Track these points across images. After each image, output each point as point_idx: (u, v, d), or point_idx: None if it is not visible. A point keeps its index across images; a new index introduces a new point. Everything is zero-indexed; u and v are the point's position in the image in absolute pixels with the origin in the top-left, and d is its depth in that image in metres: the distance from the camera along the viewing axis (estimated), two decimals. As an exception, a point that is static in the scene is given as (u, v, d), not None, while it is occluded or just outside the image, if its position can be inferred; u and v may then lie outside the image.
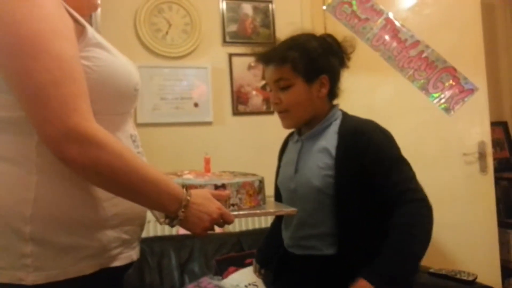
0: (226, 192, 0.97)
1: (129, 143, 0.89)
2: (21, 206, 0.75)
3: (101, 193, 0.80)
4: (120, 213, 0.83)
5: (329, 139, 1.17)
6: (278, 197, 1.35)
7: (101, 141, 0.73)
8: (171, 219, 0.85)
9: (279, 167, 1.37)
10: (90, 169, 0.74)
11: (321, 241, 1.16)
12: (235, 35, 2.55)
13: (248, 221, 2.43)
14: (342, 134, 1.16)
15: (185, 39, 2.43)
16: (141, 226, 0.93)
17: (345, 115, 1.23)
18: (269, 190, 2.42)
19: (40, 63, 0.70)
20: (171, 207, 0.83)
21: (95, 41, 0.81)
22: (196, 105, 2.45)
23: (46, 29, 0.71)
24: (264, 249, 1.48)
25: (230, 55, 2.53)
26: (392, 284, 1.02)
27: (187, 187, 0.86)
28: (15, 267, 0.75)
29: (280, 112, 1.22)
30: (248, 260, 2.03)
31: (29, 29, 0.70)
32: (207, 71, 2.47)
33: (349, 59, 1.24)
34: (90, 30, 0.81)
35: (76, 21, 0.79)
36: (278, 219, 1.38)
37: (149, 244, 2.03)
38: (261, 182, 1.08)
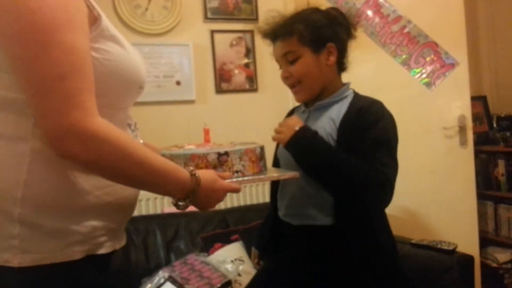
0: (227, 174, 0.97)
1: (128, 133, 0.88)
2: (12, 188, 0.74)
3: (95, 181, 0.79)
4: (113, 202, 0.83)
5: (337, 113, 1.19)
6: (276, 167, 1.35)
7: (103, 137, 0.71)
8: (178, 205, 0.87)
9: None
10: (94, 164, 0.73)
11: (319, 210, 1.17)
12: (217, 11, 2.51)
13: (233, 198, 2.45)
14: (350, 110, 1.17)
15: (165, 15, 2.38)
16: (130, 216, 0.93)
17: (356, 93, 1.25)
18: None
19: (50, 54, 0.68)
20: (179, 194, 0.85)
21: (108, 33, 0.78)
22: (178, 83, 2.42)
23: (61, 18, 0.69)
24: (265, 236, 1.46)
25: (212, 32, 2.50)
26: (300, 151, 1.13)
27: (195, 171, 0.85)
28: (1, 248, 0.74)
29: (292, 86, 1.24)
30: (233, 237, 2.06)
31: (44, 17, 0.68)
32: (189, 49, 2.43)
33: (355, 29, 1.26)
34: (104, 20, 0.78)
35: (91, 8, 0.76)
36: (274, 205, 1.36)
37: (134, 223, 2.03)
38: (262, 149, 1.09)
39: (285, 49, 1.20)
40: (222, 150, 0.98)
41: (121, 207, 0.86)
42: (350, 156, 1.09)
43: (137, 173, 0.77)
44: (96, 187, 0.80)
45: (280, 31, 1.21)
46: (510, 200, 2.64)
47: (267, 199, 2.40)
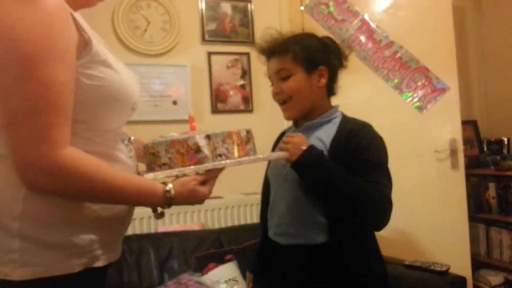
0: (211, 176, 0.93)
1: (121, 148, 0.89)
2: (12, 203, 0.75)
3: None
4: (110, 216, 0.84)
5: (327, 133, 1.21)
6: (266, 188, 1.36)
7: (69, 170, 0.73)
8: (157, 214, 0.90)
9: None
10: (61, 194, 0.76)
11: (310, 228, 1.17)
12: (214, 34, 2.56)
13: (228, 218, 2.45)
14: (340, 132, 1.20)
15: (163, 36, 2.43)
16: (126, 229, 0.95)
17: (344, 116, 1.28)
18: (253, 185, 2.41)
19: (24, 88, 0.69)
20: (155, 206, 0.88)
21: (99, 58, 0.79)
22: (175, 103, 2.45)
23: (42, 51, 0.69)
24: (261, 262, 1.43)
25: (209, 53, 2.55)
26: (307, 170, 1.11)
27: (170, 188, 0.86)
28: (1, 263, 0.75)
29: (282, 103, 1.26)
30: (228, 257, 2.05)
31: (25, 50, 0.68)
32: (186, 69, 2.47)
33: (346, 59, 1.31)
34: (95, 45, 0.78)
35: (81, 31, 0.77)
36: (264, 225, 1.35)
37: (127, 242, 2.02)
38: (249, 132, 1.04)
39: (279, 66, 1.23)
40: (203, 134, 0.94)
41: (117, 221, 0.87)
42: (355, 177, 1.10)
43: (108, 197, 0.80)
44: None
45: (276, 49, 1.25)
46: (502, 223, 2.66)
47: (261, 219, 2.41)
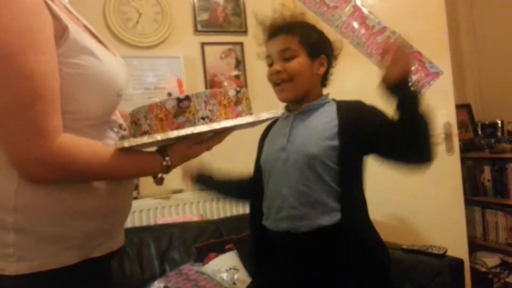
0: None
1: (111, 136, 0.88)
2: (4, 197, 0.74)
3: (86, 185, 0.80)
4: (105, 205, 0.84)
5: (328, 113, 1.23)
6: (258, 178, 1.32)
7: (66, 159, 0.74)
8: (157, 179, 0.92)
9: (261, 148, 1.36)
10: (64, 182, 0.77)
11: (314, 209, 1.16)
12: (207, 24, 2.55)
13: (226, 208, 2.46)
14: (340, 108, 1.24)
15: (156, 28, 2.41)
16: (125, 217, 0.94)
17: (337, 100, 1.31)
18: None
19: (9, 83, 0.69)
20: (156, 174, 0.90)
21: (78, 45, 0.78)
22: (169, 95, 2.44)
23: (23, 44, 0.69)
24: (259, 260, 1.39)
25: (202, 44, 2.54)
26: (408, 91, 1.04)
27: (167, 161, 0.85)
28: None
29: (281, 82, 1.24)
30: (228, 246, 2.07)
31: (6, 44, 0.68)
32: (180, 61, 2.46)
33: (335, 58, 1.33)
34: (73, 32, 0.77)
35: (59, 19, 0.76)
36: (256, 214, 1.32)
37: (128, 235, 1.99)
38: (239, 92, 0.91)
39: (285, 45, 1.23)
40: (182, 96, 0.83)
41: (114, 210, 0.87)
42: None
43: (106, 177, 0.82)
44: (87, 190, 0.81)
45: (284, 27, 1.25)
46: (497, 205, 2.69)
47: (259, 208, 2.43)
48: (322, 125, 1.21)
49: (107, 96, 0.83)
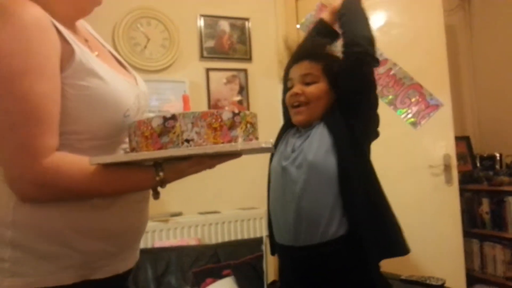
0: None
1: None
2: (3, 212, 0.75)
3: (85, 204, 0.80)
4: (107, 226, 0.83)
5: (322, 131, 1.24)
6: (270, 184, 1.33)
7: (53, 178, 0.73)
8: (154, 194, 0.86)
9: (272, 154, 1.37)
10: (57, 200, 0.76)
11: (326, 221, 1.15)
12: (213, 51, 2.61)
13: (225, 233, 2.44)
14: (328, 123, 1.25)
15: (163, 53, 2.46)
16: (135, 238, 0.92)
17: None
18: (251, 200, 2.39)
19: (2, 105, 0.70)
20: (149, 188, 0.85)
21: (84, 67, 0.79)
22: (173, 118, 2.48)
23: (18, 66, 0.71)
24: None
25: (207, 70, 2.59)
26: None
27: (160, 177, 0.80)
28: None
29: (298, 106, 1.27)
30: (225, 272, 2.05)
31: (1, 66, 0.70)
32: (185, 85, 2.50)
33: None
34: (79, 54, 0.78)
35: (68, 41, 0.78)
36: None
37: (126, 257, 2.01)
38: (237, 115, 0.81)
39: (308, 70, 1.27)
40: (169, 114, 0.77)
41: (118, 232, 0.85)
42: None
43: (98, 195, 0.80)
44: (89, 210, 0.80)
45: (310, 54, 1.30)
46: (495, 238, 2.68)
47: (259, 233, 2.41)
48: (319, 135, 1.21)
49: (113, 117, 0.83)
